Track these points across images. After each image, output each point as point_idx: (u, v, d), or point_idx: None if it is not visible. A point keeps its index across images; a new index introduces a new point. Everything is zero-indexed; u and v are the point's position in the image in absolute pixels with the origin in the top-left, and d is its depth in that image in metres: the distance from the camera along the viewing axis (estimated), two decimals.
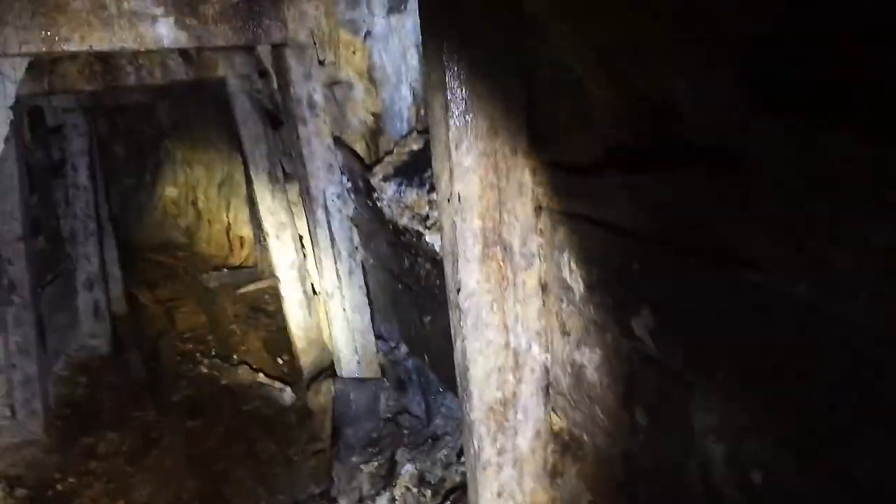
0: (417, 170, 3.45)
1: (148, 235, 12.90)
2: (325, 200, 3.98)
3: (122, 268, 8.45)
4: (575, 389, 2.08)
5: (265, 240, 5.87)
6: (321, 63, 3.92)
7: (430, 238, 3.06)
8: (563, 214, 2.03)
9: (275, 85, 5.56)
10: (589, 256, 1.91)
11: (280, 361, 6.58)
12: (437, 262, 3.09)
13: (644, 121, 1.70)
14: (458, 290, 2.31)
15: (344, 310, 4.07)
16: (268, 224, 5.80)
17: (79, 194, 7.01)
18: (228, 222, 10.85)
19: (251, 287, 9.10)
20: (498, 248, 2.30)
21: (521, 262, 2.30)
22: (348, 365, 4.11)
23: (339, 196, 4.00)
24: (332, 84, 3.83)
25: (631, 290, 1.73)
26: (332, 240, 4.01)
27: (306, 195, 4.06)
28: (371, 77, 3.67)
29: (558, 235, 2.09)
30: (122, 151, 13.42)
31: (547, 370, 2.24)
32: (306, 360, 5.91)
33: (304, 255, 5.94)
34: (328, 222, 3.99)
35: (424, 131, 3.60)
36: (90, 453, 5.16)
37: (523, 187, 2.27)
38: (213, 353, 7.01)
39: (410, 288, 3.56)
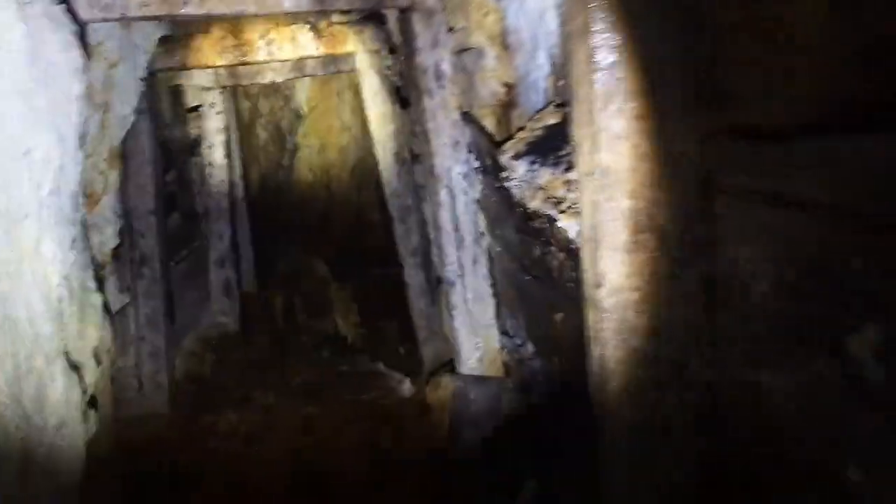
0: (553, 147, 3.02)
1: (285, 218, 13.20)
2: (449, 180, 3.64)
3: (254, 248, 8.55)
4: (751, 421, 1.60)
5: (391, 222, 5.64)
6: (450, 30, 3.57)
7: (565, 223, 2.64)
8: (744, 193, 1.55)
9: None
10: (782, 248, 1.43)
11: (402, 351, 6.36)
12: (571, 251, 2.66)
13: (879, 67, 1.20)
14: (599, 286, 1.87)
15: (466, 301, 3.71)
16: (392, 208, 5.56)
17: (214, 172, 7.09)
18: (359, 206, 10.84)
19: (377, 272, 8.99)
20: (650, 234, 1.85)
21: (681, 252, 1.83)
22: (468, 361, 3.76)
23: (465, 176, 3.64)
24: (461, 51, 3.47)
25: (849, 296, 1.24)
26: (456, 224, 3.66)
27: (430, 175, 3.74)
28: (504, 43, 3.27)
29: (734, 220, 1.61)
30: (264, 134, 13.79)
31: (711, 392, 1.77)
32: (427, 351, 5.64)
33: (430, 241, 5.66)
34: (452, 205, 3.65)
35: (563, 104, 3.16)
36: (210, 431, 5.13)
37: (687, 159, 1.80)
38: (336, 338, 6.90)
39: (540, 280, 3.14)
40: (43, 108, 2.49)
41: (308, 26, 5.25)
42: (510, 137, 3.33)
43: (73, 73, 2.89)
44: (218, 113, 7.01)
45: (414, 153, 5.63)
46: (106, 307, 4.30)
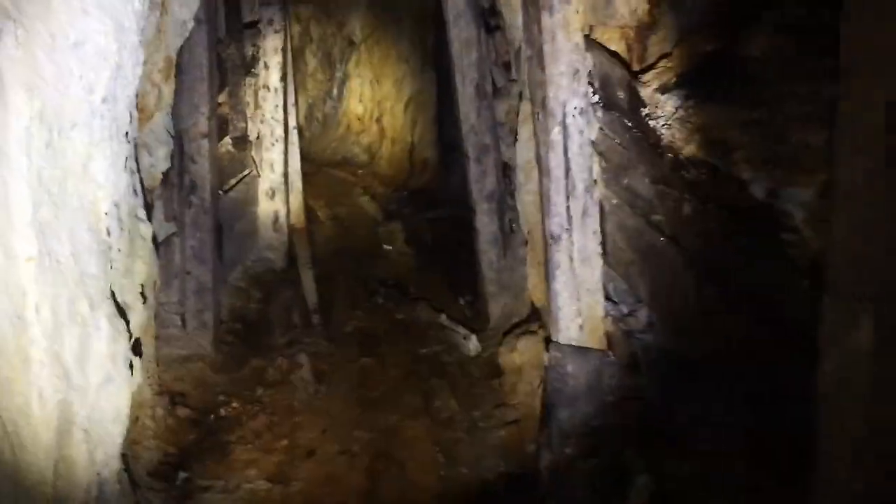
0: (716, 78, 2.42)
1: (330, 150, 12.67)
2: (564, 116, 3.06)
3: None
4: None
5: (464, 162, 5.08)
6: None
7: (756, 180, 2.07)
8: None
9: None
10: None
11: (462, 302, 5.87)
12: (753, 214, 2.10)
13: None
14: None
15: (571, 259, 3.17)
16: (469, 145, 5.00)
17: (268, 96, 6.54)
18: (413, 142, 10.25)
19: (430, 214, 8.46)
20: None
21: None
22: (567, 328, 3.24)
23: (581, 112, 3.06)
24: None
25: None
26: (567, 169, 3.10)
27: (541, 109, 3.15)
28: None
29: None
30: (313, 60, 13.17)
31: None
32: (495, 306, 5.15)
33: (507, 185, 5.11)
34: (565, 145, 3.07)
35: (721, 24, 2.56)
36: (258, 378, 4.73)
37: None
38: (390, 282, 6.43)
39: (678, 243, 2.58)
40: None
41: None
42: (650, 66, 2.73)
43: None
44: (276, 31, 6.42)
45: (496, 86, 5.04)
46: (153, 238, 3.84)
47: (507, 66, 5.02)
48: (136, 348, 2.88)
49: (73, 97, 1.88)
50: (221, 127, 6.12)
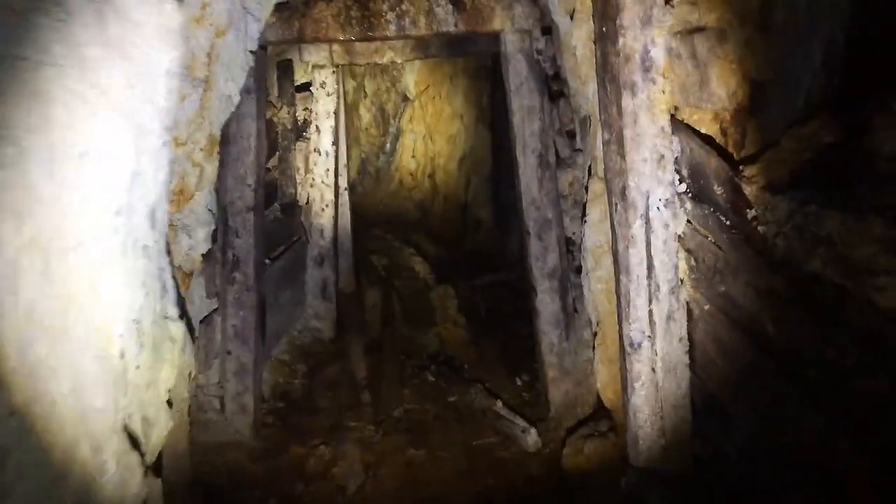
0: (839, 178, 2.01)
1: (381, 206, 12.47)
2: (646, 208, 2.67)
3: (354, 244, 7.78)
4: None
5: (524, 238, 4.71)
6: (668, 2, 2.59)
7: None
8: None
9: (560, 44, 4.33)
10: None
11: (519, 382, 5.45)
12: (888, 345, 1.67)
13: None
14: None
15: (653, 370, 2.75)
16: (530, 219, 4.63)
17: (319, 160, 6.33)
18: (466, 201, 9.94)
19: (486, 279, 8.09)
20: None
21: None
22: (648, 448, 2.80)
23: (667, 204, 2.67)
24: (689, 32, 2.48)
25: None
26: (650, 267, 2.69)
27: (620, 199, 2.77)
28: (763, 20, 2.27)
29: None
30: (367, 115, 13.10)
31: None
32: (556, 392, 4.71)
33: (570, 261, 4.71)
34: (647, 240, 2.68)
35: (841, 109, 2.16)
36: (298, 469, 4.37)
37: None
38: (441, 357, 6.04)
39: (795, 371, 2.15)
40: (113, 87, 1.68)
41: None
42: (752, 158, 2.33)
43: (164, 37, 2.07)
44: (329, 94, 6.23)
45: (560, 156, 4.69)
46: (189, 328, 3.55)
47: (570, 135, 4.68)
48: (157, 467, 2.55)
49: (76, 215, 1.59)
50: (270, 193, 5.91)
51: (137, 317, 2.06)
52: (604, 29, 2.70)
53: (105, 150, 1.67)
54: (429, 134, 11.57)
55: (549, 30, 4.52)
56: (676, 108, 2.68)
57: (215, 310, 4.57)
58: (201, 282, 4.50)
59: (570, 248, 4.73)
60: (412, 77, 12.02)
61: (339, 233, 6.87)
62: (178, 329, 2.73)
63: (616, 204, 2.79)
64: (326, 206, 6.45)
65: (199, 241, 3.56)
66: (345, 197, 7.18)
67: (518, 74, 4.39)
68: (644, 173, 2.63)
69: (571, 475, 3.87)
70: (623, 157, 2.65)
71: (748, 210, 2.21)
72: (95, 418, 1.84)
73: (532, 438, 4.41)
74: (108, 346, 1.85)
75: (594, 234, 3.72)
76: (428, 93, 11.50)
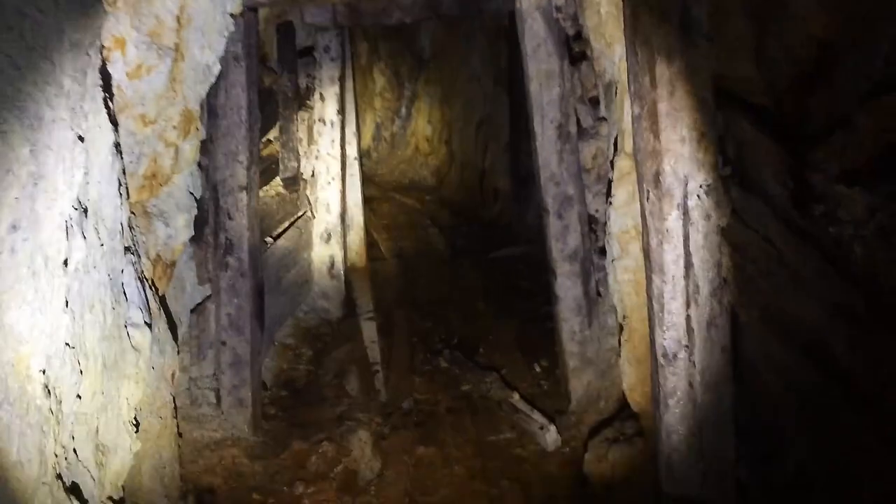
0: None
1: (398, 171, 12.06)
2: (684, 196, 2.25)
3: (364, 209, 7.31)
4: None
5: (543, 216, 4.30)
6: None
7: None
8: None
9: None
10: None
11: (538, 369, 5.09)
12: None
13: None
14: None
15: (690, 384, 2.36)
16: (549, 196, 4.22)
17: (324, 130, 5.93)
18: (484, 169, 9.50)
19: (503, 252, 7.69)
20: None
21: None
22: (685, 474, 2.43)
23: (708, 191, 2.25)
24: None
25: None
26: (688, 266, 2.29)
27: (652, 186, 2.35)
28: None
29: None
30: (381, 78, 12.61)
31: None
32: (577, 384, 4.36)
33: (593, 241, 4.31)
34: (685, 234, 2.27)
35: None
36: (299, 468, 4.07)
37: None
38: (455, 341, 5.69)
39: (871, 402, 1.75)
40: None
41: None
42: (819, 136, 1.90)
43: None
44: (333, 59, 5.80)
45: (582, 126, 4.25)
46: (171, 325, 3.22)
47: (594, 103, 4.24)
48: (119, 500, 2.22)
49: None
50: (271, 167, 5.54)
51: (72, 339, 1.71)
52: None
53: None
54: (445, 98, 11.09)
55: None
56: (722, 77, 2.24)
57: (208, 297, 4.25)
58: (192, 266, 4.17)
59: (594, 226, 4.33)
60: (427, 38, 11.49)
61: (347, 206, 6.48)
62: (143, 337, 2.40)
63: (648, 191, 2.37)
64: (333, 178, 6.06)
65: (178, 228, 3.21)
66: (354, 167, 6.75)
67: (535, 35, 3.94)
68: (682, 155, 2.21)
69: (594, 483, 3.52)
70: (657, 135, 2.23)
71: (814, 205, 1.79)
72: (15, 475, 1.51)
73: (551, 437, 4.06)
74: (20, 385, 1.51)
75: (621, 218, 3.31)
76: (443, 54, 10.99)
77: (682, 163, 2.22)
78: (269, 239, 5.26)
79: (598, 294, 4.37)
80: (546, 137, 4.11)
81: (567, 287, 4.30)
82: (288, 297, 5.66)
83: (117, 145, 2.14)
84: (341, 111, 6.00)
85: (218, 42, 3.11)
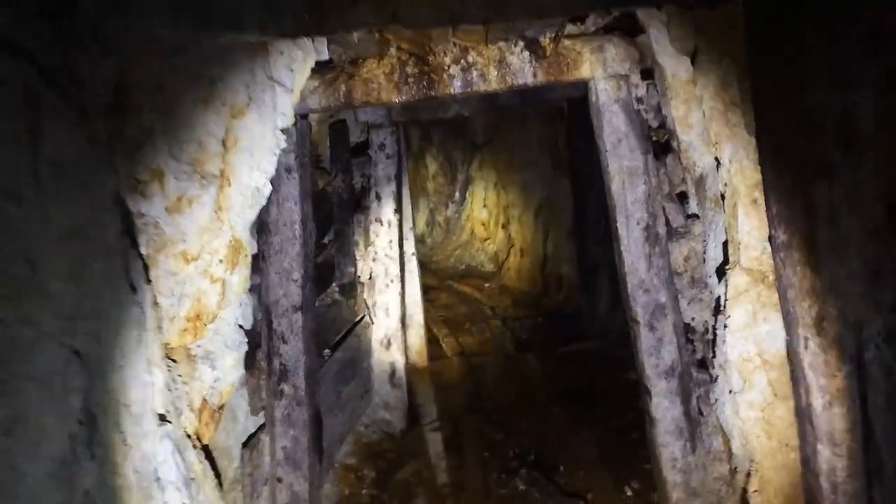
0: None
1: (453, 258, 11.73)
2: (859, 349, 1.77)
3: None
4: None
5: (632, 327, 3.81)
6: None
7: None
8: None
9: (667, 88, 3.49)
10: None
11: (628, 492, 4.50)
12: None
13: None
14: None
15: None
16: (638, 304, 3.73)
17: (381, 231, 5.60)
18: (545, 255, 9.06)
19: (573, 347, 7.15)
20: None
21: None
22: None
23: (889, 340, 1.76)
24: None
25: None
26: (868, 437, 1.77)
27: (814, 332, 1.87)
28: None
29: None
30: (434, 165, 12.45)
31: None
32: None
33: (690, 353, 3.79)
34: (861, 395, 1.77)
35: None
36: None
37: None
38: (532, 457, 5.14)
39: None
40: None
41: (522, 43, 3.56)
42: None
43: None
44: (389, 157, 5.51)
45: (671, 226, 3.80)
46: (216, 475, 2.80)
47: (681, 198, 3.80)
48: None
49: None
50: (326, 273, 5.21)
51: None
52: (768, 80, 1.84)
53: None
54: (500, 182, 10.78)
55: (650, 73, 3.68)
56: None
57: (262, 427, 3.84)
58: (244, 394, 3.79)
59: (690, 336, 3.81)
60: (480, 122, 11.31)
61: (406, 306, 6.09)
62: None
63: (805, 338, 1.89)
64: (391, 281, 5.69)
65: (227, 369, 2.84)
66: (413, 264, 6.39)
67: (615, 130, 3.55)
68: (852, 294, 1.74)
69: None
70: (815, 269, 1.77)
71: None
72: None
73: None
74: None
75: (740, 343, 2.81)
76: (497, 139, 10.75)
77: (854, 304, 1.75)
78: (326, 351, 4.87)
79: (701, 413, 3.81)
80: (632, 240, 3.66)
81: (664, 407, 3.76)
82: (348, 412, 5.23)
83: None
84: (398, 210, 5.68)
85: (269, 162, 2.79)
